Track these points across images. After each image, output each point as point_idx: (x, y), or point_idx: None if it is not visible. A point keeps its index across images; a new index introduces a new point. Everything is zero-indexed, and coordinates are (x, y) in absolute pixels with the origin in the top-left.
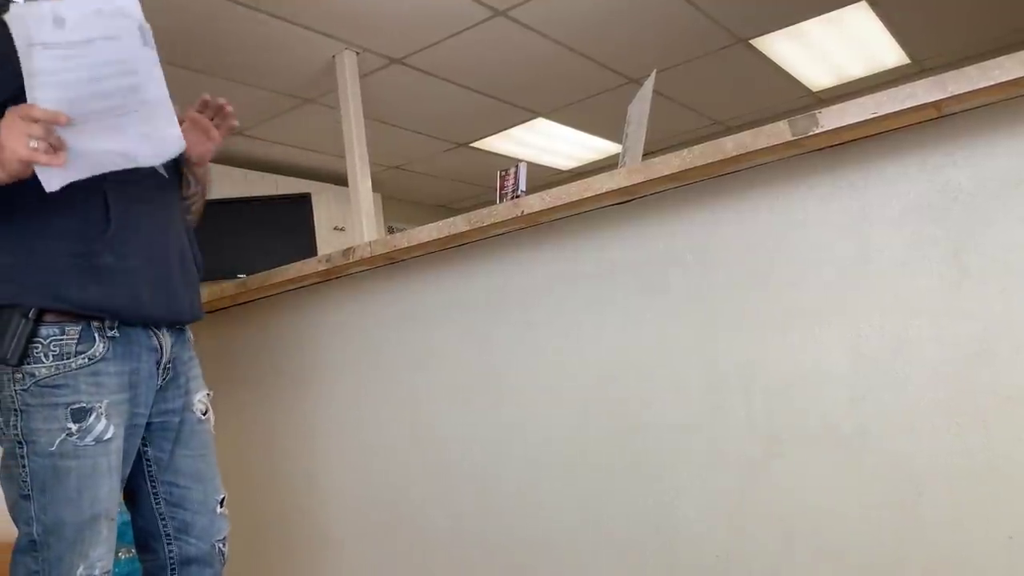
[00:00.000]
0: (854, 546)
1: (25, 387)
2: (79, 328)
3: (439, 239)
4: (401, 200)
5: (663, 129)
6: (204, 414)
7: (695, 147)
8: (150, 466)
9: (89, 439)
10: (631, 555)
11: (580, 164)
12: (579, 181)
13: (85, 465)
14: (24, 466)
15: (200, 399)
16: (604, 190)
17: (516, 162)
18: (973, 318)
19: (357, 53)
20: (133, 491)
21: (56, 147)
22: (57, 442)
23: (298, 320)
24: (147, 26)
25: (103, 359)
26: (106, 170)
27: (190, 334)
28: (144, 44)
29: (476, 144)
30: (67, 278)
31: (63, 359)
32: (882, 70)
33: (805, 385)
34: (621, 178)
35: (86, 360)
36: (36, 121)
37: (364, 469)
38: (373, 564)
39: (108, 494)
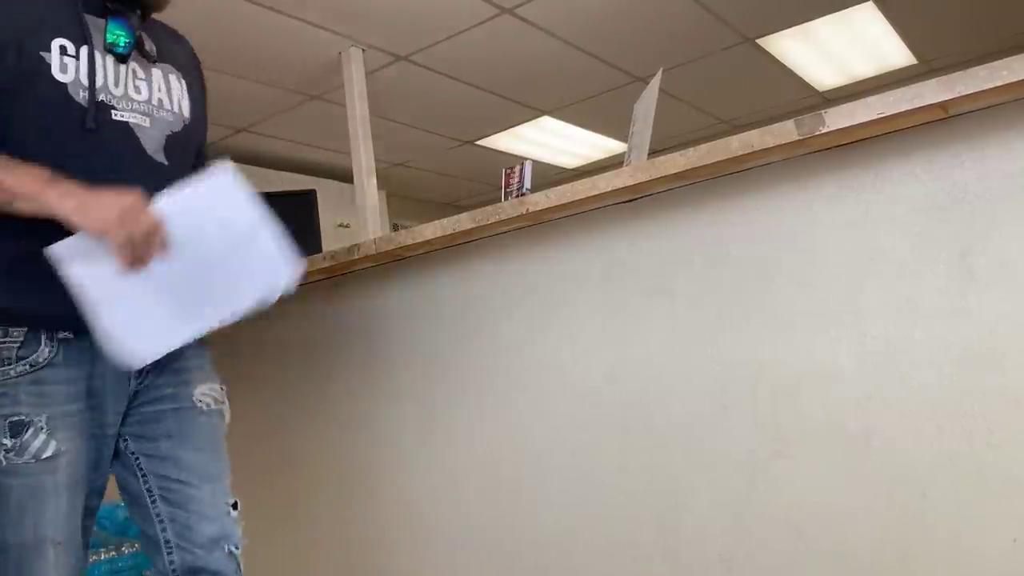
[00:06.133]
0: (858, 546)
1: None
2: (23, 330)
3: (444, 236)
4: (406, 197)
5: (669, 128)
6: (209, 407)
7: (701, 146)
8: (137, 460)
9: (27, 456)
10: (636, 554)
11: (586, 162)
12: (584, 179)
13: (25, 484)
14: None
15: (204, 391)
16: (609, 189)
17: (521, 160)
18: (979, 319)
19: (363, 50)
20: (128, 493)
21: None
22: None
23: (302, 317)
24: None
25: (49, 365)
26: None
27: None
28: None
29: (481, 142)
30: (8, 282)
31: (2, 365)
32: (889, 70)
33: (811, 385)
34: (626, 177)
35: (27, 367)
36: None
37: (369, 466)
38: (377, 561)
39: (55, 517)
